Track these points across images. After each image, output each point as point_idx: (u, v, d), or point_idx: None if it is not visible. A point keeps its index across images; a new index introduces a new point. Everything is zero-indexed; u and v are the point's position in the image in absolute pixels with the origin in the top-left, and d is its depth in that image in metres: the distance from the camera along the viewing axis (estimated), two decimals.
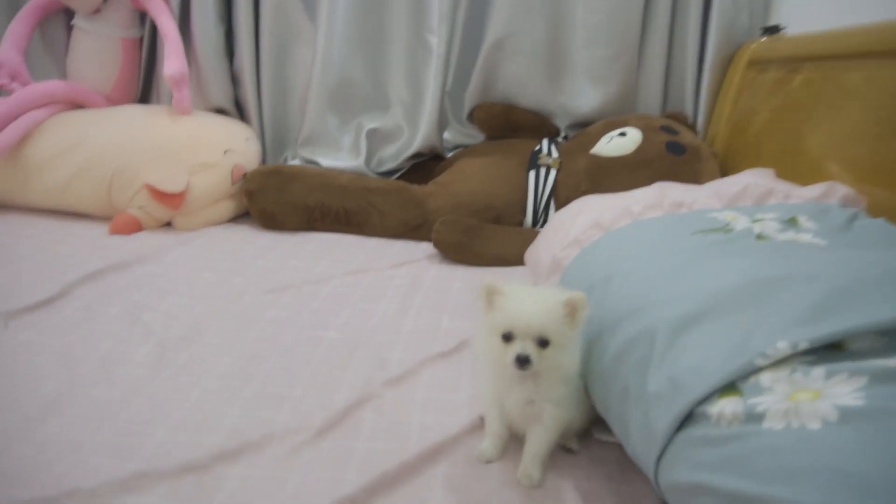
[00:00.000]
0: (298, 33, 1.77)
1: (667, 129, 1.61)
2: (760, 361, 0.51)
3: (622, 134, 1.61)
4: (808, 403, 0.46)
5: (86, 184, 1.59)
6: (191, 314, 1.14)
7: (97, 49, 1.80)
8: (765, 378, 0.51)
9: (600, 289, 0.79)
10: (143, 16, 1.84)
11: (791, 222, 0.83)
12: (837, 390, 0.46)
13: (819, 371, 0.48)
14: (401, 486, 0.72)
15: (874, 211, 0.93)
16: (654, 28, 1.71)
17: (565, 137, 1.85)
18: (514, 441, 0.79)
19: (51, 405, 0.83)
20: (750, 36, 1.65)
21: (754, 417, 0.48)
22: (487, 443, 0.79)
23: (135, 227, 1.57)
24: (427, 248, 1.60)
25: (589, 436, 0.84)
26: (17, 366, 0.92)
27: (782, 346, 0.51)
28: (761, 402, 0.49)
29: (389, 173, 1.85)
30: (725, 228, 0.81)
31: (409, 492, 0.72)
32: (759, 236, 0.78)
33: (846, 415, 0.44)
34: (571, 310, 0.70)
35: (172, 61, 1.66)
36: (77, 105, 1.76)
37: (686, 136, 1.60)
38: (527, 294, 0.74)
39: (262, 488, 0.71)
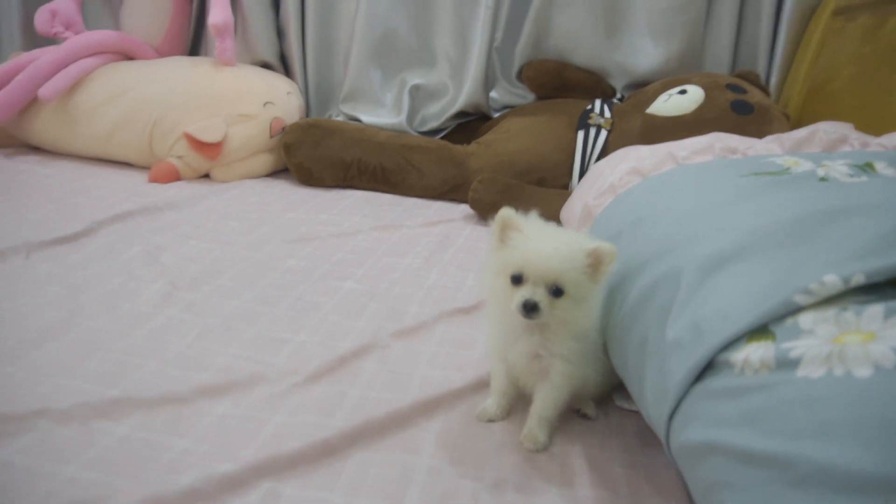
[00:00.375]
0: None
1: (733, 88, 1.45)
2: (801, 299, 0.41)
3: (682, 92, 1.47)
4: (858, 346, 0.36)
5: (129, 132, 1.60)
6: (209, 258, 1.11)
7: (149, 2, 1.80)
8: (805, 319, 0.40)
9: (628, 233, 0.69)
10: None
11: (865, 167, 0.70)
12: (892, 333, 0.35)
13: (876, 309, 0.37)
14: (387, 436, 0.66)
15: None
16: None
17: (621, 99, 1.72)
18: (522, 402, 0.71)
19: (48, 331, 0.81)
20: None
21: (787, 364, 0.38)
22: (491, 401, 0.71)
23: (173, 175, 1.56)
24: (465, 209, 1.52)
25: (609, 402, 0.75)
26: (27, 293, 0.91)
27: (830, 281, 0.40)
28: (797, 346, 0.39)
29: (432, 133, 1.78)
30: (782, 171, 0.69)
31: (394, 443, 0.65)
32: (823, 179, 0.66)
33: None
34: (596, 261, 0.61)
35: (217, 10, 1.64)
36: (128, 56, 1.77)
37: (755, 95, 1.45)
38: (547, 234, 0.65)
39: (240, 427, 0.66)
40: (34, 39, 1.86)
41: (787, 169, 0.71)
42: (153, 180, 1.54)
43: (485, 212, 1.42)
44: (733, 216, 0.56)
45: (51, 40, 1.75)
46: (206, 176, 1.63)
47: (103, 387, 0.70)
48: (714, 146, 0.84)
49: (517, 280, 0.62)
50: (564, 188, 1.52)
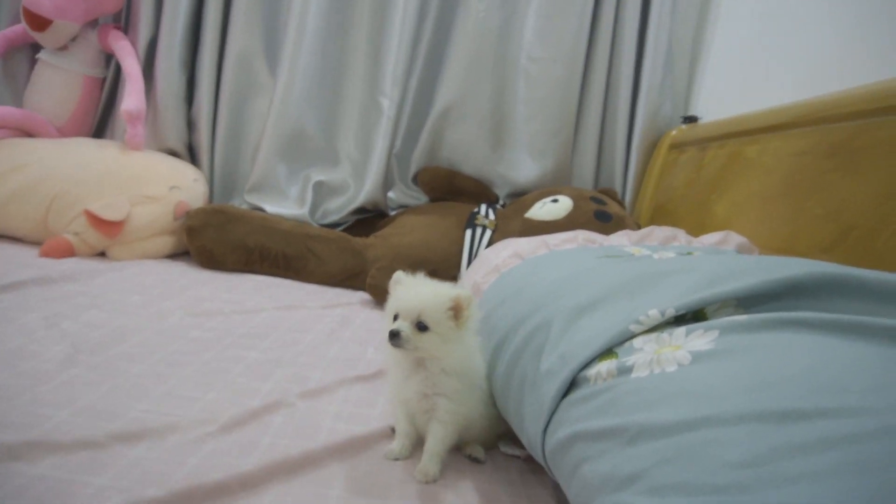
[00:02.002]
0: (258, 85, 1.87)
1: (596, 200, 1.72)
2: (634, 328, 0.56)
3: (555, 200, 1.72)
4: (669, 353, 0.51)
5: (23, 206, 1.58)
6: (111, 326, 1.13)
7: (58, 83, 1.84)
8: (638, 341, 0.56)
9: (511, 300, 0.84)
10: (108, 58, 1.91)
11: (688, 255, 0.91)
12: (694, 342, 0.51)
13: (681, 330, 0.53)
14: (300, 474, 0.72)
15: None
16: (588, 111, 1.88)
17: (503, 205, 1.95)
18: (422, 445, 0.80)
19: None
20: (672, 123, 1.83)
21: (624, 371, 0.53)
22: (396, 442, 0.80)
23: (67, 251, 1.55)
24: (362, 295, 1.63)
25: (496, 450, 0.86)
26: None
27: (653, 314, 0.56)
28: (631, 359, 0.53)
29: (333, 226, 1.90)
30: (629, 257, 0.88)
31: (307, 479, 0.71)
32: (659, 259, 0.85)
33: (697, 357, 0.49)
34: (457, 306, 0.74)
35: (132, 98, 1.72)
36: (29, 133, 1.77)
37: (613, 207, 1.72)
38: (418, 284, 0.80)
39: (157, 468, 0.69)
40: None
41: (632, 255, 0.90)
42: (45, 254, 1.52)
43: (381, 297, 1.53)
44: (591, 280, 0.73)
45: None
46: (102, 254, 1.63)
47: (14, 433, 0.71)
48: (578, 237, 1.04)
49: (395, 318, 0.75)
50: (454, 279, 1.68)
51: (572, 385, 0.58)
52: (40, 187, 1.59)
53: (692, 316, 0.57)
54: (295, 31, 1.79)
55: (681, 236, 1.07)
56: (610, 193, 1.85)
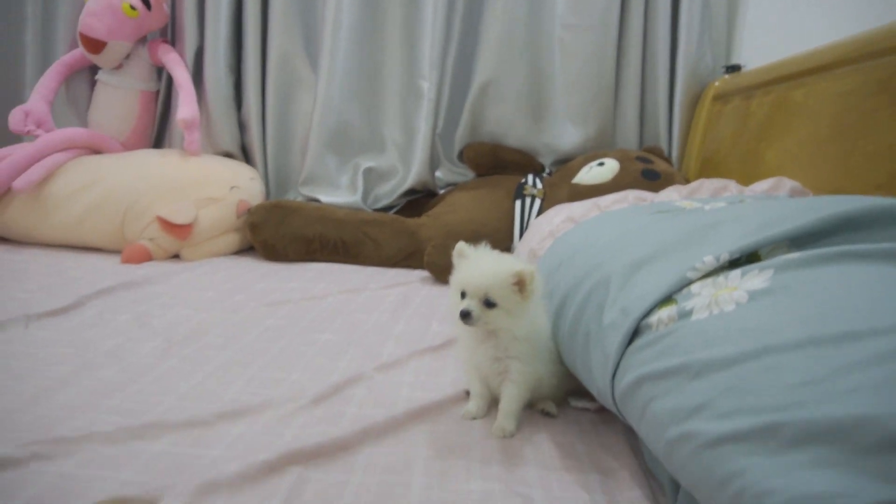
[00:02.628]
0: (301, 82, 1.93)
1: (642, 159, 1.73)
2: (691, 274, 0.60)
3: (601, 164, 1.73)
4: (726, 294, 0.54)
5: (100, 218, 1.70)
6: (194, 321, 1.22)
7: (117, 100, 1.96)
8: (695, 287, 0.59)
9: (567, 263, 0.87)
10: (159, 71, 2.01)
11: (740, 204, 0.92)
12: (749, 282, 0.54)
13: (737, 273, 0.56)
14: (388, 436, 0.78)
15: None
16: (626, 73, 1.87)
17: (549, 173, 1.97)
18: (496, 405, 0.86)
19: (64, 379, 0.90)
20: (714, 74, 1.80)
21: (685, 314, 0.56)
22: (472, 402, 0.85)
23: (145, 256, 1.66)
24: (420, 273, 1.69)
25: (566, 404, 0.91)
26: (34, 355, 0.99)
27: (708, 260, 0.59)
28: (690, 303, 0.57)
29: (385, 209, 1.97)
30: (680, 210, 0.91)
31: (395, 441, 0.77)
32: (710, 209, 0.87)
33: (754, 295, 0.51)
34: (520, 280, 0.77)
35: (185, 107, 1.81)
36: (96, 150, 1.89)
37: (660, 165, 1.72)
38: (484, 259, 0.82)
39: (261, 439, 0.76)
40: (4, 137, 1.96)
41: (683, 209, 0.92)
42: (126, 261, 1.64)
43: (439, 273, 1.60)
44: (644, 236, 0.75)
45: (21, 138, 1.87)
46: (176, 256, 1.74)
47: (131, 418, 0.80)
48: (628, 197, 1.06)
49: (462, 296, 0.79)
50: (507, 251, 1.72)
51: (635, 334, 0.62)
52: (113, 200, 1.70)
53: (746, 259, 0.60)
54: (331, 26, 1.84)
55: (732, 186, 1.07)
56: (656, 151, 1.85)
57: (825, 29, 1.26)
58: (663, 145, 1.87)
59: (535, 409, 0.87)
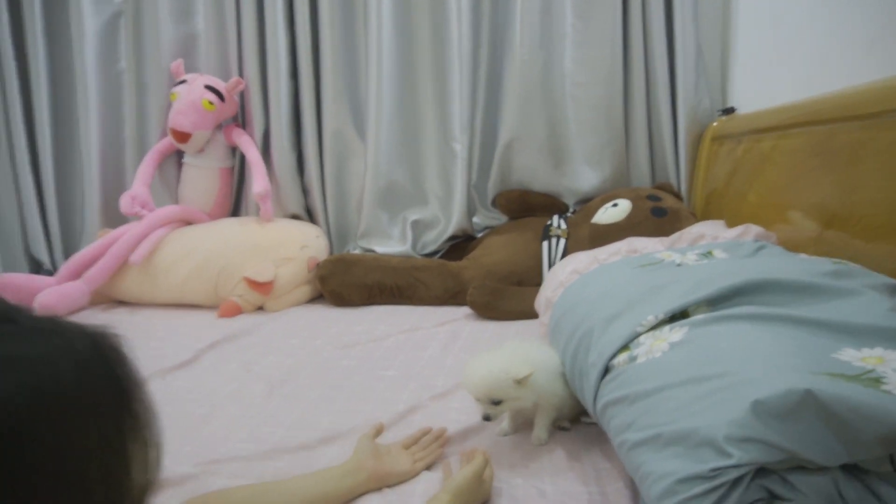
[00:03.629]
0: (352, 151, 2.27)
1: (652, 198, 1.97)
2: (639, 329, 0.86)
3: (615, 205, 1.98)
4: (658, 345, 0.80)
5: (198, 281, 2.06)
6: (286, 366, 1.53)
7: (202, 178, 2.33)
8: (642, 338, 0.85)
9: (569, 313, 1.15)
10: (233, 150, 2.38)
11: (707, 255, 1.17)
12: (673, 335, 0.80)
13: (667, 327, 0.83)
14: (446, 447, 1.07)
15: (786, 242, 1.27)
16: (634, 118, 2.12)
17: (573, 211, 2.23)
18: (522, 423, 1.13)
19: (204, 419, 1.22)
20: (712, 116, 2.03)
21: (632, 359, 0.83)
22: (505, 423, 1.13)
23: (236, 311, 2.01)
24: (464, 310, 1.97)
25: (578, 420, 1.17)
26: (176, 401, 1.33)
27: (650, 318, 0.86)
28: (637, 351, 0.83)
29: (432, 254, 2.27)
30: (657, 262, 1.17)
31: (452, 451, 1.06)
32: (679, 265, 1.13)
33: (673, 346, 0.78)
34: (522, 380, 1.00)
35: (259, 182, 2.17)
36: (188, 222, 2.27)
37: (668, 202, 1.96)
38: (478, 367, 1.02)
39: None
40: (110, 218, 2.37)
41: (660, 261, 1.18)
42: (222, 315, 1.99)
43: (481, 310, 1.88)
44: (618, 295, 1.02)
45: (127, 218, 2.26)
46: (260, 307, 2.08)
47: (258, 444, 1.11)
48: (622, 249, 1.32)
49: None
50: (537, 286, 1.98)
51: (606, 371, 0.89)
52: (208, 265, 2.06)
53: (680, 315, 0.86)
54: (374, 102, 2.17)
55: (708, 234, 1.32)
56: (666, 188, 2.08)
57: (790, 87, 1.49)
58: (672, 181, 2.10)
59: (554, 425, 1.14)
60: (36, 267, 2.45)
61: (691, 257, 1.16)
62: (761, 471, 0.59)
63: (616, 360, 0.87)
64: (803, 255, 1.14)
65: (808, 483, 0.59)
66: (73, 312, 2.02)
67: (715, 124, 1.99)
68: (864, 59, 1.23)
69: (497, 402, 0.99)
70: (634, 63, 2.07)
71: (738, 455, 0.56)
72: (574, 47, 2.08)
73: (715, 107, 2.04)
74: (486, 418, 1.01)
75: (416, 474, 0.97)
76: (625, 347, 0.87)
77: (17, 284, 2.06)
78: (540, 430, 1.08)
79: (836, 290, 0.77)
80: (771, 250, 1.18)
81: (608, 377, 0.87)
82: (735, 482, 0.56)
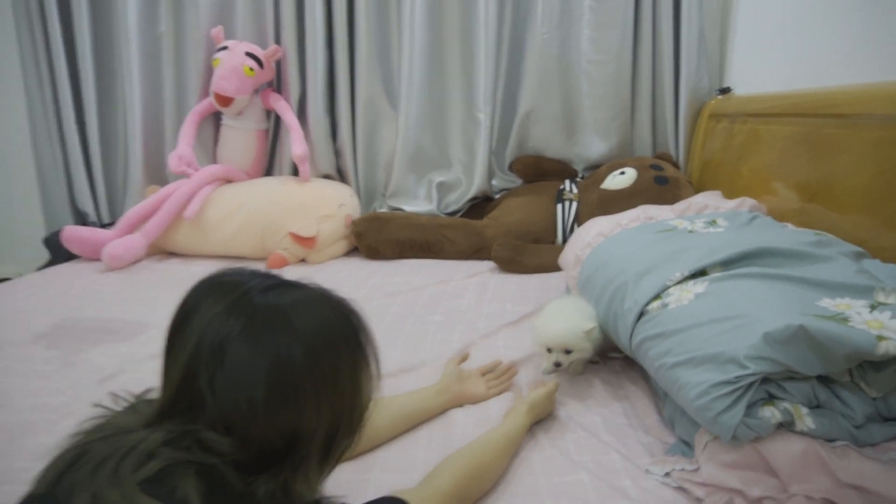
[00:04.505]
0: (384, 117, 2.47)
1: (654, 167, 2.23)
2: (668, 283, 1.13)
3: (622, 172, 2.24)
4: (685, 294, 1.07)
5: (246, 235, 2.28)
6: None
7: (240, 139, 2.52)
8: (671, 290, 1.12)
9: (601, 268, 1.41)
10: (268, 113, 2.56)
11: (712, 223, 1.44)
12: (696, 288, 1.07)
13: (691, 283, 1.10)
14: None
15: (774, 212, 1.54)
16: (640, 95, 2.36)
17: (582, 177, 2.48)
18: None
19: None
20: (711, 95, 2.28)
21: (664, 305, 1.10)
22: (546, 363, 1.40)
23: (283, 262, 2.24)
24: (487, 264, 2.23)
25: (605, 355, 1.45)
26: None
27: (676, 276, 1.13)
28: (668, 299, 1.10)
29: (454, 213, 2.51)
30: (672, 229, 1.43)
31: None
32: (690, 231, 1.40)
33: (697, 296, 1.05)
34: (588, 334, 1.27)
35: (298, 145, 2.37)
36: (229, 180, 2.47)
37: (669, 171, 2.22)
38: (557, 318, 1.27)
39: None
40: (152, 177, 2.55)
41: (674, 227, 1.45)
42: (270, 266, 2.22)
43: (504, 265, 2.14)
44: (645, 255, 1.29)
45: (166, 172, 2.44)
46: (303, 260, 2.31)
47: None
48: (640, 216, 1.58)
49: (549, 350, 1.31)
50: (552, 243, 2.25)
51: (640, 315, 1.16)
52: (255, 221, 2.27)
53: (700, 273, 1.13)
54: (406, 73, 2.36)
55: (710, 204, 1.59)
56: (666, 157, 2.34)
57: (785, 73, 1.74)
58: (672, 152, 2.36)
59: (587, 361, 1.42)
60: (81, 219, 2.63)
61: (699, 225, 1.43)
62: (765, 380, 0.87)
63: (650, 307, 1.14)
64: (790, 226, 1.42)
65: (795, 388, 0.87)
66: (134, 262, 2.23)
67: (713, 102, 2.24)
68: (848, 60, 1.48)
69: (569, 352, 1.25)
70: (643, 44, 2.30)
71: (754, 367, 0.84)
72: (589, 28, 2.29)
73: (713, 86, 2.28)
74: (558, 365, 1.23)
75: (489, 398, 1.24)
76: (656, 297, 1.14)
77: (82, 237, 2.25)
78: (578, 364, 1.36)
79: (818, 256, 1.04)
80: (763, 220, 1.46)
81: (643, 319, 1.14)
82: (749, 386, 0.84)
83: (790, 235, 1.18)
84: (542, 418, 1.14)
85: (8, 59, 2.55)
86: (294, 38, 2.40)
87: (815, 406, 0.88)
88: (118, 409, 0.70)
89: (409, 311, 1.80)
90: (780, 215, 1.52)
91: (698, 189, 2.18)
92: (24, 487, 0.59)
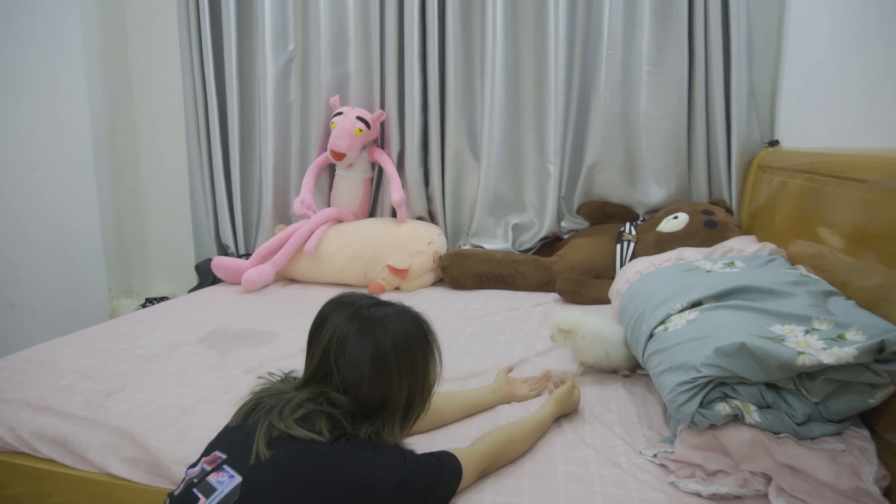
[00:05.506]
0: (468, 168, 2.90)
1: (705, 212, 2.48)
2: (671, 311, 1.44)
3: (675, 217, 2.51)
4: (681, 321, 1.38)
5: (353, 266, 2.76)
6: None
7: (350, 187, 3.03)
8: (673, 317, 1.43)
9: (632, 301, 1.73)
10: (372, 164, 3.06)
11: (730, 264, 1.72)
12: (689, 316, 1.38)
13: (688, 312, 1.40)
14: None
15: (794, 258, 1.79)
16: (695, 146, 2.63)
17: (643, 220, 2.77)
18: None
19: None
20: (760, 148, 2.52)
21: (666, 328, 1.41)
22: (578, 369, 1.73)
23: (381, 290, 2.70)
24: (553, 296, 2.56)
25: (635, 371, 1.75)
26: None
27: (677, 306, 1.44)
28: (669, 324, 1.42)
29: (527, 250, 2.88)
30: (695, 269, 1.73)
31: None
32: (708, 271, 1.69)
33: (688, 322, 1.36)
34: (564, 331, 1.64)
35: (396, 192, 2.84)
36: (340, 220, 2.98)
37: (719, 215, 2.47)
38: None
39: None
40: (280, 217, 3.11)
41: (697, 267, 1.74)
42: (371, 293, 2.67)
43: (567, 297, 2.47)
44: (663, 289, 1.60)
45: (290, 214, 2.99)
46: (397, 288, 2.76)
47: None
48: (672, 257, 1.88)
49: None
50: (611, 279, 2.55)
51: (650, 337, 1.48)
52: (360, 255, 2.75)
53: (697, 303, 1.44)
54: (486, 131, 2.79)
55: (734, 248, 1.86)
56: (719, 203, 2.59)
57: (836, 127, 1.98)
58: (726, 199, 2.61)
59: (620, 374, 1.74)
60: (223, 250, 3.24)
61: (718, 266, 1.71)
62: (723, 383, 1.17)
63: (656, 330, 1.45)
64: (800, 268, 1.67)
65: (745, 390, 1.16)
66: (264, 286, 2.77)
67: (762, 154, 2.47)
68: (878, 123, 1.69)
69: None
70: (697, 101, 2.58)
71: (706, 371, 1.14)
72: (648, 89, 2.61)
73: (763, 139, 2.52)
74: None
75: (530, 398, 1.59)
76: (661, 322, 1.46)
77: (226, 265, 2.83)
78: (623, 368, 1.69)
79: (785, 293, 1.32)
80: (777, 263, 1.72)
81: (652, 340, 1.46)
82: (704, 385, 1.15)
83: (776, 276, 1.46)
84: (568, 412, 1.47)
85: (176, 124, 3.24)
86: (395, 104, 2.90)
87: (764, 406, 1.17)
88: (274, 381, 1.14)
89: (482, 331, 2.18)
90: (796, 259, 1.77)
91: (748, 233, 2.42)
92: (204, 433, 1.04)
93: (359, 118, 2.90)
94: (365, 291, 2.65)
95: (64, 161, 3.09)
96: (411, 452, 1.08)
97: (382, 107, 2.96)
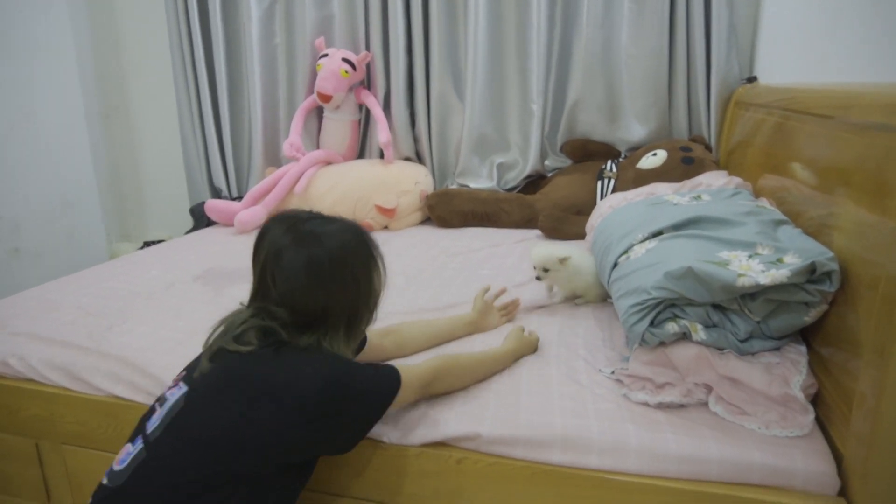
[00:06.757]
0: (453, 109, 2.94)
1: (684, 149, 2.54)
2: (633, 242, 1.54)
3: (654, 153, 2.57)
4: (640, 250, 1.48)
5: (342, 207, 2.83)
6: (414, 266, 2.29)
7: (338, 129, 3.08)
8: (635, 247, 1.53)
9: (603, 232, 1.82)
10: (360, 106, 3.10)
11: (697, 197, 1.81)
12: (648, 245, 1.47)
13: (647, 242, 1.50)
14: (523, 313, 1.80)
15: (760, 191, 1.87)
16: (676, 84, 2.66)
17: (624, 157, 2.83)
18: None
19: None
20: (740, 83, 2.55)
21: (628, 258, 1.51)
22: (557, 297, 1.84)
23: (370, 229, 2.75)
24: (535, 232, 2.66)
25: (605, 300, 1.86)
26: None
27: (639, 236, 1.53)
28: (630, 254, 1.51)
29: (511, 189, 2.95)
30: (663, 202, 1.81)
31: (524, 308, 1.79)
32: (675, 204, 1.77)
33: (647, 251, 1.45)
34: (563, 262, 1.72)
35: (383, 133, 2.89)
36: (328, 162, 3.04)
37: (697, 152, 2.53)
38: (540, 249, 1.78)
39: None
40: (270, 160, 3.17)
41: (666, 201, 1.82)
42: None
43: (548, 233, 2.56)
44: (629, 222, 1.69)
45: (280, 157, 3.05)
46: (386, 227, 2.85)
47: (430, 302, 1.87)
48: (644, 192, 1.96)
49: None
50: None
51: (615, 265, 1.57)
52: (348, 195, 2.83)
53: (658, 233, 1.53)
54: (471, 72, 2.81)
55: (704, 182, 1.94)
56: (699, 140, 2.64)
57: (810, 66, 2.02)
58: (705, 135, 2.66)
59: (589, 303, 1.84)
60: (216, 193, 3.31)
61: (686, 199, 1.80)
62: (672, 305, 1.28)
63: (620, 259, 1.55)
64: (762, 200, 1.75)
65: (693, 311, 1.27)
66: (256, 228, 2.85)
67: (740, 90, 2.51)
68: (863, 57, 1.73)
69: (546, 270, 1.72)
70: (678, 38, 2.60)
71: (655, 294, 1.24)
72: (629, 27, 2.62)
73: (744, 73, 2.55)
74: (538, 278, 1.74)
75: (502, 325, 1.70)
76: (625, 252, 1.55)
77: (219, 207, 2.91)
78: (581, 300, 1.79)
79: (737, 222, 1.40)
80: (741, 195, 1.80)
81: (615, 269, 1.56)
82: (654, 306, 1.26)
83: (732, 207, 1.54)
84: (527, 352, 1.50)
85: (163, 71, 3.26)
86: (380, 45, 2.92)
87: (710, 325, 1.28)
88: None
89: (465, 266, 2.28)
90: (761, 192, 1.85)
91: (726, 168, 2.49)
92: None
93: (344, 60, 2.92)
94: None
95: (56, 111, 3.13)
96: (349, 360, 1.11)
97: (367, 49, 2.98)
